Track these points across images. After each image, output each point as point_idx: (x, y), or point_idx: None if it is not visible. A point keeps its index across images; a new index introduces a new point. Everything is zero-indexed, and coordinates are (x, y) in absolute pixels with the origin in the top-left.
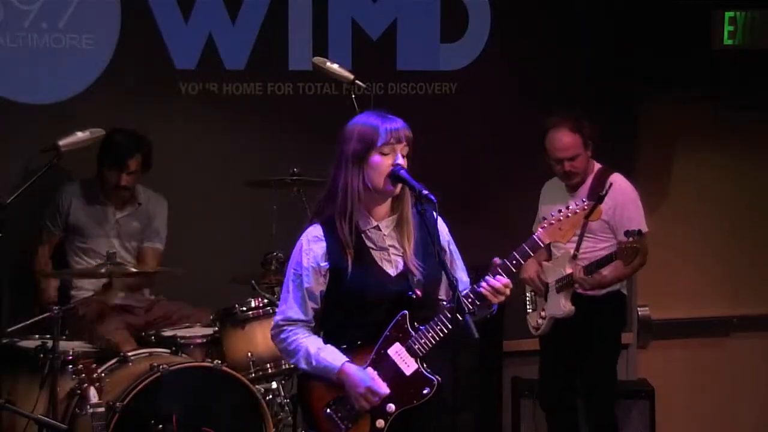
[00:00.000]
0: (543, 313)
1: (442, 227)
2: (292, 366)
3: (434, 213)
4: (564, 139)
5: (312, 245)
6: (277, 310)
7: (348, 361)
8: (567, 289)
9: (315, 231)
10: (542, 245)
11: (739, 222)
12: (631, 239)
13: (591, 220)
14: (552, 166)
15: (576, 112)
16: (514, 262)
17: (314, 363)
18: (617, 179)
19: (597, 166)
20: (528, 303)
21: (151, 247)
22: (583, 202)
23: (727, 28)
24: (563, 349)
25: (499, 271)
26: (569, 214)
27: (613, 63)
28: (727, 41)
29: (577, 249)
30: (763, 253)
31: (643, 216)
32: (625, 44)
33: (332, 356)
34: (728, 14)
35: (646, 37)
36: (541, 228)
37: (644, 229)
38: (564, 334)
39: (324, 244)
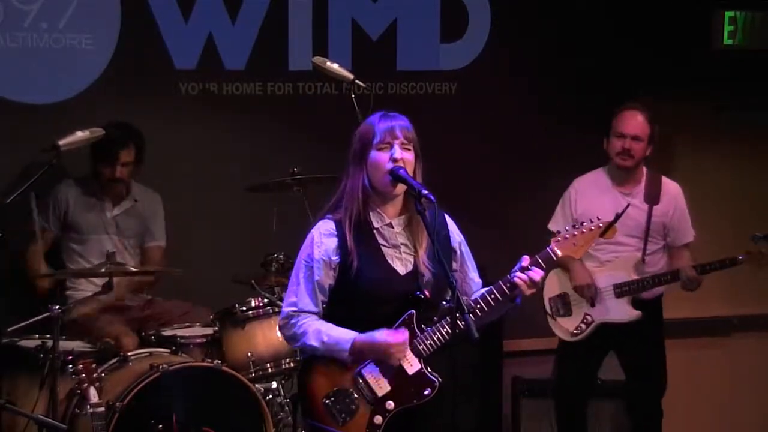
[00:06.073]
0: (588, 318)
1: (453, 228)
2: (292, 366)
3: (434, 213)
4: (638, 118)
5: (324, 239)
6: (285, 301)
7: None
8: (629, 295)
9: (327, 225)
10: (555, 258)
11: (739, 222)
12: (762, 247)
13: (605, 239)
14: (610, 144)
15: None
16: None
17: (326, 339)
18: (674, 183)
19: (644, 169)
20: (555, 308)
21: (155, 246)
22: (599, 220)
23: (727, 28)
24: (597, 350)
25: (538, 262)
26: (584, 230)
27: (613, 63)
28: (727, 41)
29: (644, 254)
30: None
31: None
32: (625, 44)
33: (342, 331)
34: (728, 14)
35: (646, 37)
36: (555, 241)
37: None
38: (603, 337)
39: (336, 239)
